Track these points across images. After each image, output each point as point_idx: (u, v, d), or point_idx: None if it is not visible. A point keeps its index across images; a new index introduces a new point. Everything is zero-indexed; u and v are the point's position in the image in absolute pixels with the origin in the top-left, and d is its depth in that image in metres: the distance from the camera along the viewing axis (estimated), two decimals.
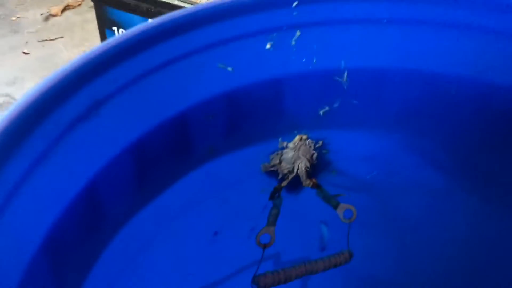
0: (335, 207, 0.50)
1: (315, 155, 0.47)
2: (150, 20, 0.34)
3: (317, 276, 0.52)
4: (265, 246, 0.48)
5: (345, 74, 0.42)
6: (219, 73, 0.38)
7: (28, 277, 0.25)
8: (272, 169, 0.47)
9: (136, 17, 1.09)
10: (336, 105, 0.44)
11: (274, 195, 0.48)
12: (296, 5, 0.37)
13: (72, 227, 0.30)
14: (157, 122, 0.35)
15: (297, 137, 0.46)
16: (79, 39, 1.70)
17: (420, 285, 0.61)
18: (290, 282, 0.49)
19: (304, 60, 0.40)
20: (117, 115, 0.31)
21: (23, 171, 0.26)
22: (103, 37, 1.19)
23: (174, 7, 1.04)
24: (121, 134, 0.33)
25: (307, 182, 0.48)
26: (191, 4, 1.05)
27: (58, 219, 0.29)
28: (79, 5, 1.88)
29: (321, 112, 0.44)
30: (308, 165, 0.47)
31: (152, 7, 1.05)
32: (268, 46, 0.38)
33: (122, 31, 0.97)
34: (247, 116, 0.42)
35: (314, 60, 0.41)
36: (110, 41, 0.30)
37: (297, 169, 0.47)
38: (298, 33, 0.39)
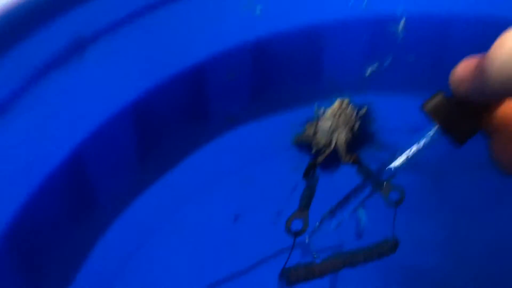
0: (379, 187, 0.42)
1: (357, 125, 0.39)
2: None
3: None
4: (296, 234, 0.40)
5: (402, 22, 0.33)
6: (245, 15, 0.29)
7: None
8: (305, 141, 0.39)
9: None
10: (386, 62, 0.36)
11: (309, 172, 0.39)
12: None
13: (51, 213, 0.22)
14: (163, 78, 0.27)
15: (337, 102, 0.38)
16: None
17: (471, 278, 0.53)
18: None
19: (351, 2, 0.32)
20: (109, 62, 0.23)
21: None
22: None
23: None
24: (116, 89, 0.25)
25: (346, 158, 0.40)
26: None
27: (30, 201, 0.21)
28: None
29: (367, 72, 0.36)
30: (348, 136, 0.38)
31: None
32: None
33: None
34: (276, 75, 0.34)
35: (364, 3, 0.32)
36: None
37: (336, 142, 0.39)
38: None
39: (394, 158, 0.27)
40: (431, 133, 0.25)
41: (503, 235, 0.50)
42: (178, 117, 0.29)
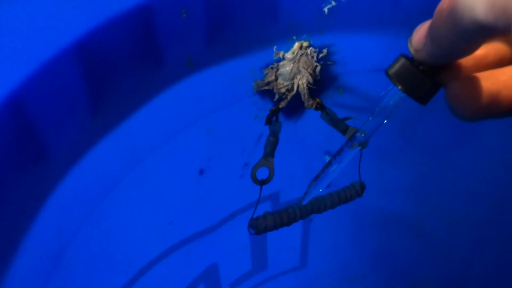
0: (344, 132, 0.41)
1: (318, 68, 0.38)
2: None
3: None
4: (262, 183, 0.39)
5: None
6: None
7: None
8: (267, 87, 0.38)
9: None
10: None
11: (271, 119, 0.39)
12: None
13: None
14: (108, 17, 0.26)
15: (296, 45, 0.37)
16: None
17: (437, 221, 0.54)
18: (293, 223, 0.41)
19: None
20: None
21: None
22: None
23: None
24: (56, 27, 0.23)
25: (309, 103, 0.39)
26: None
27: None
28: None
29: (325, 9, 0.35)
30: (310, 80, 0.37)
31: None
32: None
33: None
34: (233, 15, 0.32)
35: None
36: None
37: (298, 86, 0.38)
38: None
39: (364, 123, 0.28)
40: (396, 96, 0.26)
41: (468, 176, 0.50)
42: (128, 58, 0.27)
